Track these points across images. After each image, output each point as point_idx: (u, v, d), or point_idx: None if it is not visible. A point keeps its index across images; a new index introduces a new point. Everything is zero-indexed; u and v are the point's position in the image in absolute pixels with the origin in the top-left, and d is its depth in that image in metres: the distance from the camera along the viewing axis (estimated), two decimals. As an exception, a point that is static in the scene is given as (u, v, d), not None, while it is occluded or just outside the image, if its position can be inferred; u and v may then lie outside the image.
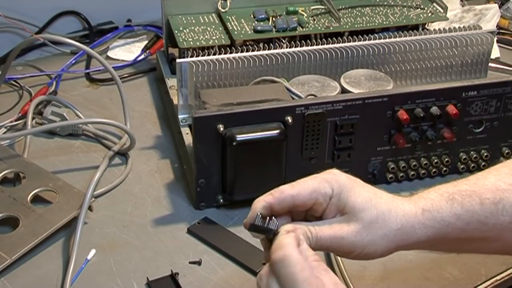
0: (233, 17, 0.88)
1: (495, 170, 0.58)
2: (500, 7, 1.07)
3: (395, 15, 0.90)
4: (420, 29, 0.89)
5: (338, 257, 0.65)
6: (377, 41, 0.82)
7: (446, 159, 0.77)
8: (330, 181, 0.54)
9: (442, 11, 0.91)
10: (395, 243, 0.55)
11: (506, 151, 0.79)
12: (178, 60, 0.76)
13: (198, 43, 0.83)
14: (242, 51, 0.79)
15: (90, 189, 0.71)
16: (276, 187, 0.66)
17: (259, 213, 0.53)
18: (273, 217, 0.53)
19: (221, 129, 0.68)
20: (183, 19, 0.88)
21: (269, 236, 0.53)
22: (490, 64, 0.87)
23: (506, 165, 0.59)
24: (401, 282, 0.65)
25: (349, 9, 0.91)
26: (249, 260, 0.66)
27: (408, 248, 0.57)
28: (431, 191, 0.57)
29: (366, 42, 0.82)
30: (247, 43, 0.84)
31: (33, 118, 0.85)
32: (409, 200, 0.56)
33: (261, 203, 0.54)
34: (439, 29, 0.85)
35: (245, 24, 0.86)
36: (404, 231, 0.55)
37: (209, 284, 0.64)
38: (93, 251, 0.67)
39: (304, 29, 0.86)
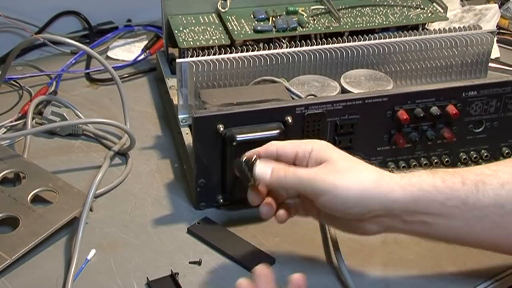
0: (233, 17, 0.88)
1: (484, 164, 0.62)
2: (500, 7, 1.07)
3: (395, 15, 0.90)
4: (420, 29, 0.89)
5: (340, 258, 0.65)
6: (377, 41, 0.82)
7: (446, 159, 0.77)
8: (313, 142, 0.61)
9: (442, 11, 0.91)
10: (371, 197, 0.57)
11: (506, 151, 0.79)
12: (178, 60, 0.76)
13: (198, 43, 0.83)
14: (242, 51, 0.79)
15: (92, 189, 0.71)
16: None
17: (244, 155, 0.61)
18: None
19: (221, 129, 0.68)
20: (183, 19, 0.88)
21: (248, 172, 0.60)
22: (490, 64, 0.87)
23: (501, 163, 0.61)
24: (401, 282, 0.65)
25: (349, 9, 0.91)
26: (249, 260, 0.66)
27: (389, 217, 0.59)
28: (415, 170, 0.60)
29: (366, 42, 0.82)
30: (247, 43, 0.84)
31: (33, 118, 0.85)
32: (386, 171, 0.59)
33: (250, 152, 0.62)
34: (439, 29, 0.85)
35: (245, 24, 0.86)
36: (380, 185, 0.57)
37: (209, 284, 0.64)
38: (93, 251, 0.67)
39: (304, 29, 0.86)
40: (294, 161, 0.61)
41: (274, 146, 0.61)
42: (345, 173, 0.57)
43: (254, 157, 0.61)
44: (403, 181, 0.58)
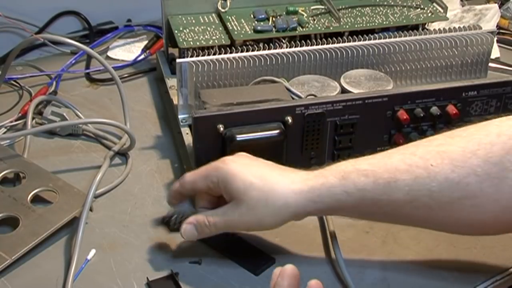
0: (233, 17, 0.88)
1: (404, 149, 0.62)
2: (500, 7, 1.07)
3: (395, 15, 0.90)
4: (420, 29, 0.89)
5: (340, 259, 0.65)
6: (377, 41, 0.82)
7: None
8: (217, 170, 0.62)
9: (442, 11, 0.91)
10: (287, 216, 0.62)
11: (506, 151, 0.79)
12: (178, 60, 0.76)
13: (198, 43, 0.83)
14: (242, 51, 0.79)
15: (92, 189, 0.71)
16: None
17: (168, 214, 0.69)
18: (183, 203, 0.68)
19: (221, 129, 0.68)
20: (183, 19, 0.88)
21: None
22: (490, 64, 0.87)
23: (417, 143, 0.62)
24: (401, 282, 0.65)
25: (349, 9, 0.91)
26: (249, 261, 0.66)
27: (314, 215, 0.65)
28: (329, 169, 0.62)
29: (366, 42, 0.82)
30: (247, 43, 0.84)
31: (33, 118, 0.85)
32: (302, 177, 0.61)
33: (171, 192, 0.67)
34: (439, 29, 0.85)
35: (245, 24, 0.86)
36: (290, 206, 0.61)
37: (209, 284, 0.64)
38: (93, 251, 0.67)
39: (304, 29, 0.86)
40: (211, 192, 0.64)
41: (188, 184, 0.64)
42: (257, 208, 0.61)
43: (175, 217, 0.68)
44: (313, 196, 0.60)
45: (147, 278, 0.64)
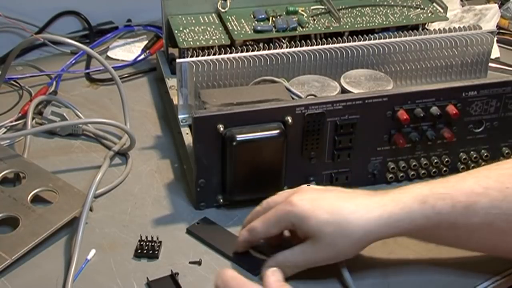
0: (233, 17, 0.88)
1: (476, 172, 0.61)
2: (500, 7, 1.07)
3: (395, 15, 0.90)
4: (420, 29, 0.89)
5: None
6: (377, 41, 0.82)
7: (446, 159, 0.77)
8: (288, 214, 0.61)
9: (442, 11, 0.91)
10: (367, 243, 0.61)
11: (506, 151, 0.79)
12: (178, 60, 0.76)
13: (198, 43, 0.83)
14: (242, 51, 0.79)
15: (92, 189, 0.71)
16: (275, 187, 0.69)
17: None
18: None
19: (221, 129, 0.68)
20: (183, 19, 0.88)
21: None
22: (490, 64, 0.87)
23: (489, 167, 0.62)
24: (401, 282, 0.65)
25: (349, 9, 0.91)
26: (248, 261, 0.66)
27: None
28: (405, 192, 0.61)
29: (366, 42, 0.82)
30: (247, 43, 0.84)
31: (33, 118, 0.85)
32: (378, 203, 0.60)
33: (240, 243, 0.65)
34: (439, 29, 0.85)
35: (245, 24, 0.86)
36: (369, 235, 0.60)
37: (209, 284, 0.64)
38: (93, 251, 0.67)
39: (304, 29, 0.86)
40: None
41: (261, 234, 0.63)
42: (336, 243, 0.60)
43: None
44: (392, 221, 0.60)
45: (147, 278, 0.64)
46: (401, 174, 0.77)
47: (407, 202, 0.60)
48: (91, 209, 0.72)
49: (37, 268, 0.66)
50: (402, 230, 0.60)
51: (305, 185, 0.64)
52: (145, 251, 0.67)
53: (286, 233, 0.66)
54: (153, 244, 0.67)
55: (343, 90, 0.77)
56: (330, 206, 0.60)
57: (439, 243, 0.64)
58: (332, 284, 0.64)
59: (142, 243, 0.67)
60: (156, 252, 0.67)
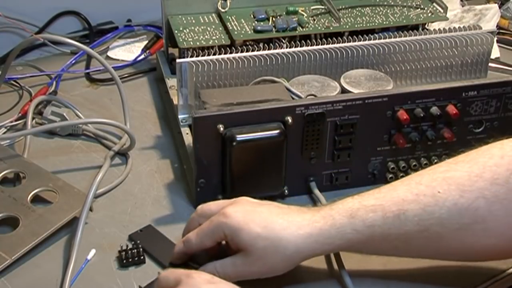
0: (233, 17, 0.88)
1: (408, 180, 0.61)
2: (500, 7, 1.07)
3: (395, 15, 0.90)
4: (420, 29, 0.89)
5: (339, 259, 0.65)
6: (377, 41, 0.82)
7: (446, 159, 0.77)
8: (220, 225, 0.60)
9: (442, 11, 0.91)
10: (298, 260, 0.61)
11: (506, 151, 0.79)
12: (178, 60, 0.76)
13: (198, 43, 0.83)
14: (242, 51, 0.79)
15: (92, 189, 0.71)
16: (275, 187, 0.68)
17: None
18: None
19: (221, 129, 0.68)
20: (183, 19, 0.88)
21: None
22: (490, 64, 0.87)
23: (421, 173, 0.62)
24: (401, 282, 0.65)
25: (349, 9, 0.91)
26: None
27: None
28: (336, 208, 0.60)
29: (366, 42, 0.82)
30: (247, 43, 0.84)
31: (33, 118, 0.85)
32: (309, 220, 0.60)
33: (175, 254, 0.64)
34: (439, 29, 0.85)
35: (245, 24, 0.86)
36: (301, 251, 0.60)
37: (209, 284, 0.64)
38: (93, 251, 0.67)
39: (304, 29, 0.86)
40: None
41: (195, 245, 0.62)
42: (267, 257, 0.59)
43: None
44: (323, 238, 0.59)
45: (139, 286, 0.63)
46: (401, 174, 0.77)
47: (336, 218, 0.59)
48: (91, 209, 0.72)
49: (37, 268, 0.66)
50: (335, 246, 0.60)
51: (242, 197, 0.63)
52: (130, 260, 0.65)
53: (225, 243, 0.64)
54: (133, 251, 0.66)
55: (343, 90, 0.77)
56: (262, 220, 0.60)
57: (380, 254, 0.63)
58: (332, 285, 0.64)
59: (122, 253, 0.66)
60: (142, 257, 0.66)
